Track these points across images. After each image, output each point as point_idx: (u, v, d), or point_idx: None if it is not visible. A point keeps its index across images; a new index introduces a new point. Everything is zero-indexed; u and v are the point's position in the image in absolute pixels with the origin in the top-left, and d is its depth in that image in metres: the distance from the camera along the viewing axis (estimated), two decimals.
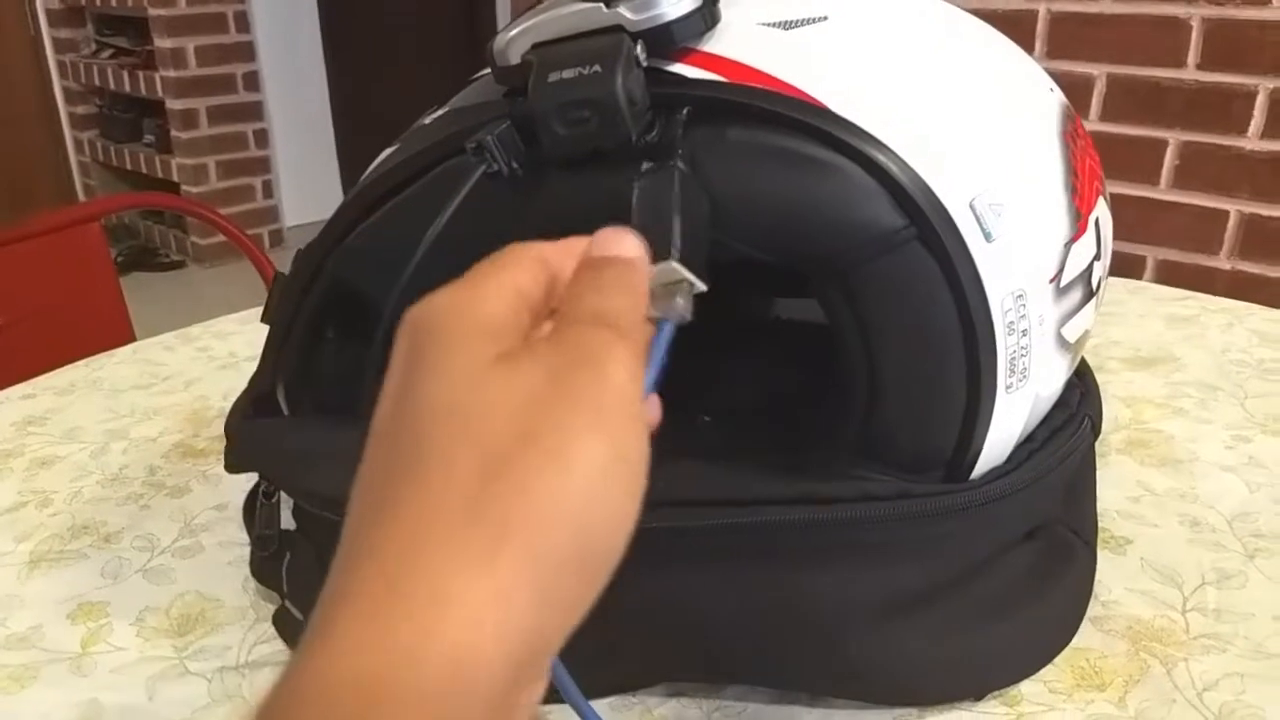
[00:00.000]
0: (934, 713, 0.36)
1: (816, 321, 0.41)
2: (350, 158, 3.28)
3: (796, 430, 0.38)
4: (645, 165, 0.31)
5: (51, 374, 0.69)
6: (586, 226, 0.35)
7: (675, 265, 0.29)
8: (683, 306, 0.30)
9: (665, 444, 0.32)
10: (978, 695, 0.37)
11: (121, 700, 0.39)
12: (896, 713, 0.36)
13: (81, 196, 3.37)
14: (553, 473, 0.18)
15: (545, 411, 0.18)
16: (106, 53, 3.12)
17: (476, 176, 0.34)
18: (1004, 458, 0.36)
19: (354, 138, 3.26)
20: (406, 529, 0.18)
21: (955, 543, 0.35)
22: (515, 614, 0.17)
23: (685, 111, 0.32)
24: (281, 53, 3.09)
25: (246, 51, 2.98)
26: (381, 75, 3.11)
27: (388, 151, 0.40)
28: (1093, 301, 0.40)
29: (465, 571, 0.17)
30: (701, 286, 0.30)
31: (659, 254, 0.30)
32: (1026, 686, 0.37)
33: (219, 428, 0.60)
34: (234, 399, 0.45)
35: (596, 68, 0.31)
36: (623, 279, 0.23)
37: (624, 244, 0.24)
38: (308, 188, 3.20)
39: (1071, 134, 0.40)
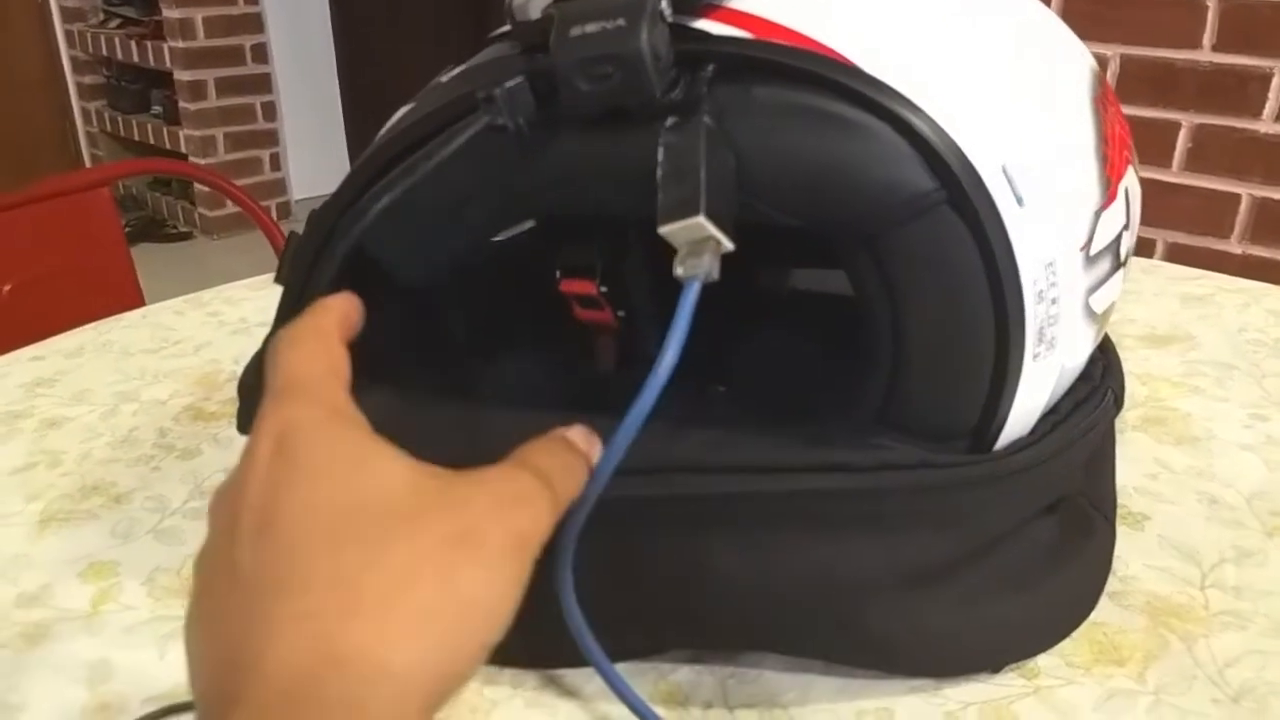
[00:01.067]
0: (951, 684, 0.36)
1: (833, 291, 0.41)
2: (358, 131, 3.27)
3: (814, 400, 0.37)
4: (670, 121, 0.31)
5: (60, 336, 0.69)
6: (604, 185, 0.34)
7: (702, 221, 0.29)
8: (709, 264, 0.29)
9: (680, 412, 0.32)
10: (995, 667, 0.36)
11: (133, 659, 0.39)
12: (913, 683, 0.36)
13: (89, 166, 3.36)
14: (481, 570, 0.23)
15: (481, 524, 0.23)
16: (114, 22, 3.10)
17: (478, 127, 0.33)
18: (1028, 429, 0.35)
19: (362, 111, 3.24)
20: (335, 602, 0.21)
21: (976, 514, 0.35)
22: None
23: (710, 69, 0.32)
24: (289, 25, 3.07)
25: (255, 23, 2.97)
26: (389, 48, 3.09)
27: (404, 110, 0.39)
28: (1120, 272, 0.39)
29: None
30: (728, 245, 0.30)
31: (686, 210, 0.29)
32: (1044, 660, 0.37)
33: (230, 391, 0.60)
34: (245, 363, 0.44)
35: (620, 22, 0.30)
36: (572, 459, 0.29)
37: (584, 437, 0.30)
38: (316, 161, 3.19)
39: (1102, 99, 0.39)
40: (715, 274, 0.29)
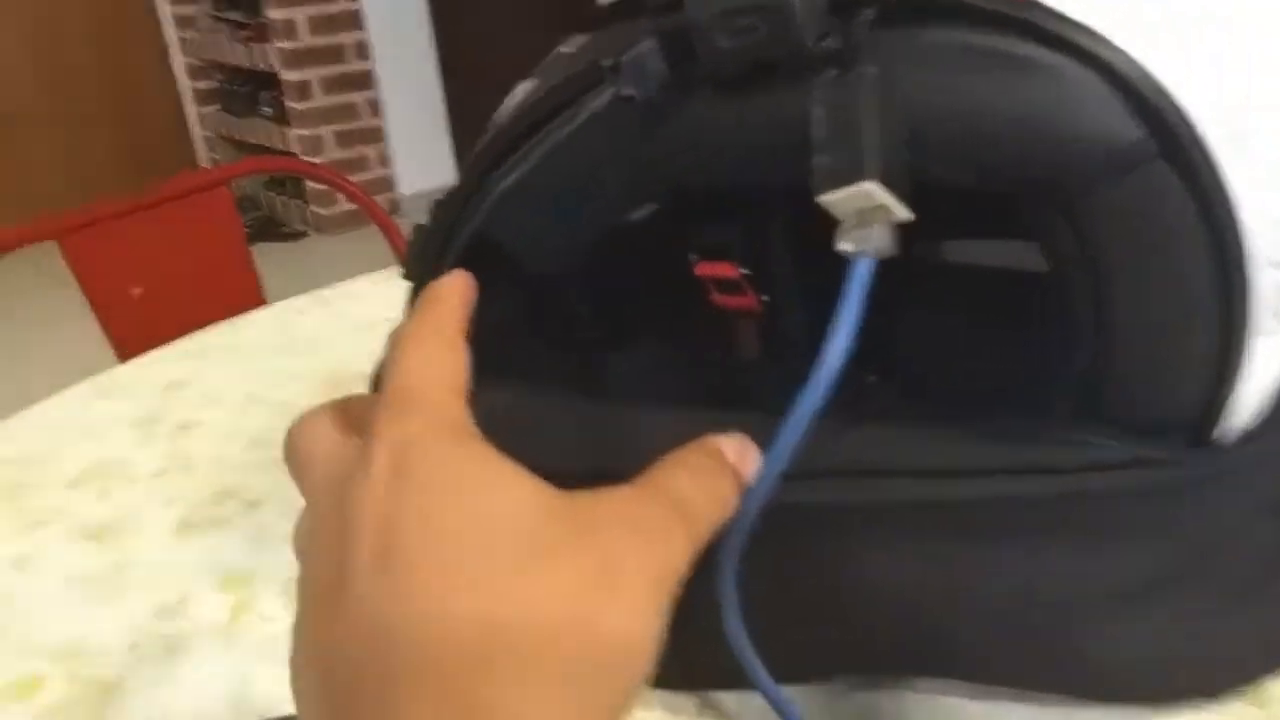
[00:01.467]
0: (1167, 712, 0.31)
1: (1012, 263, 0.36)
2: (461, 124, 3.30)
3: (995, 390, 0.33)
4: (826, 74, 0.27)
5: (189, 338, 0.70)
6: (748, 153, 0.31)
7: (872, 187, 0.25)
8: (880, 237, 0.25)
9: (835, 408, 0.28)
10: (1219, 692, 0.32)
11: (273, 673, 0.38)
12: (1122, 711, 0.32)
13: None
14: (622, 608, 0.21)
15: (616, 558, 0.21)
16: (223, 27, 3.21)
17: (605, 100, 0.30)
18: (1256, 418, 0.30)
19: (464, 103, 3.27)
20: (477, 652, 0.19)
21: (1196, 517, 0.30)
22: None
23: (870, 12, 0.28)
24: (388, 20, 3.11)
25: (354, 20, 3.02)
26: (488, 37, 3.11)
27: (523, 86, 0.37)
28: None
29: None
30: (903, 214, 0.26)
31: (851, 175, 0.25)
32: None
33: (358, 389, 0.59)
34: (371, 360, 0.43)
35: None
36: (715, 477, 0.25)
37: (738, 450, 0.26)
38: (421, 155, 3.24)
39: None
40: (888, 248, 0.25)
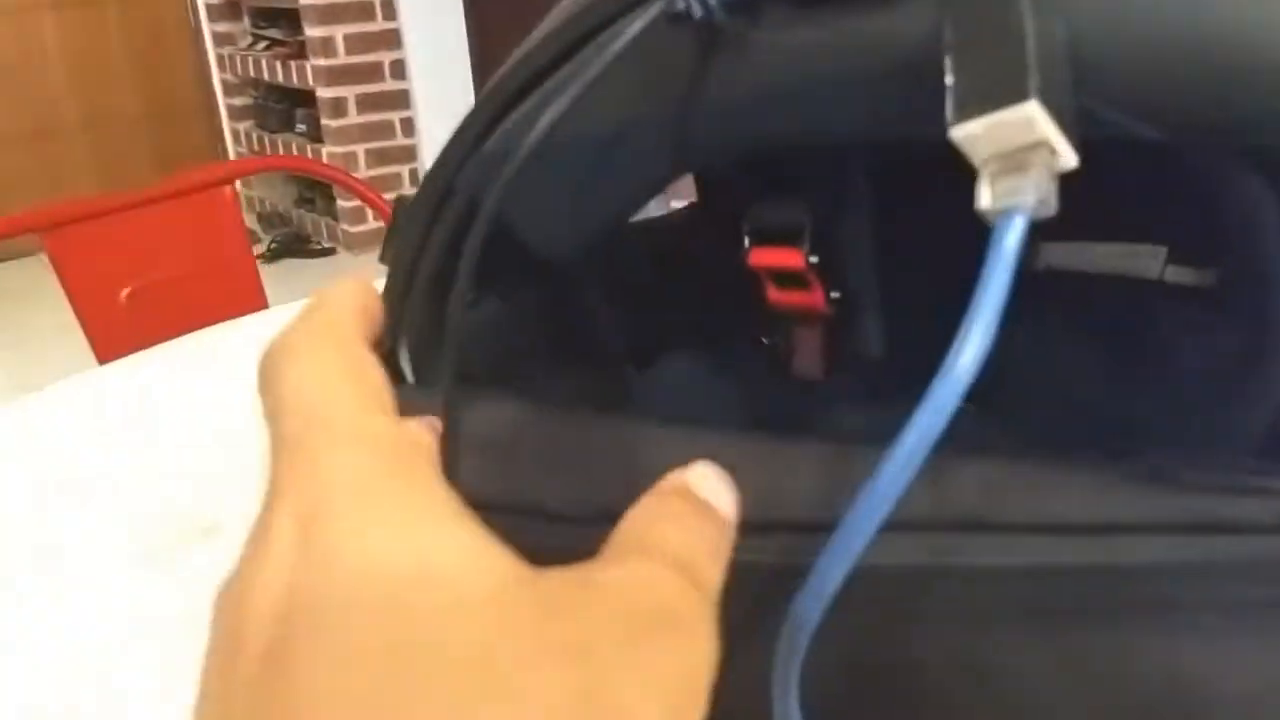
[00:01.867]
0: None
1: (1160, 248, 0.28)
2: None
3: (1140, 422, 0.25)
4: None
5: (175, 342, 0.64)
6: (836, 93, 0.23)
7: (1033, 113, 0.17)
8: (1042, 186, 0.18)
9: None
10: None
11: None
12: None
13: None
14: None
15: (612, 680, 0.15)
16: (261, 44, 3.22)
17: (650, 17, 0.23)
18: None
19: None
20: None
21: None
22: None
23: None
24: (427, 40, 3.11)
25: (393, 39, 3.02)
26: None
27: (544, 23, 0.30)
28: None
29: None
30: (1070, 159, 0.18)
31: (1001, 95, 0.18)
32: None
33: None
34: None
35: None
36: (703, 522, 0.19)
37: (713, 484, 0.20)
38: None
39: None
40: (1053, 203, 0.17)
